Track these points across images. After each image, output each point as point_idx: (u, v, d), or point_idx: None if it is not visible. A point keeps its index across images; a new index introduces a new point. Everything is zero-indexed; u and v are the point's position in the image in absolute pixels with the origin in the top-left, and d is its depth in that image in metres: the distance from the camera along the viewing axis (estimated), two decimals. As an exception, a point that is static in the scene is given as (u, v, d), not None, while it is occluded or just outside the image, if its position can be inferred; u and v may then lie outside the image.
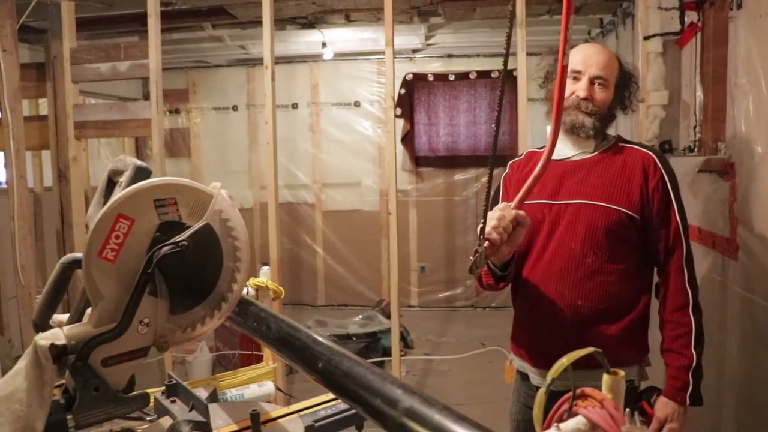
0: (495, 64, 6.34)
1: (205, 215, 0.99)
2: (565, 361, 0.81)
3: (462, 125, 6.56)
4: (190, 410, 1.18)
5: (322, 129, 6.72)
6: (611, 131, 1.93)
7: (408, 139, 6.55)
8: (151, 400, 1.22)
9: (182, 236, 0.96)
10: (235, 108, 6.87)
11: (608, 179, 1.80)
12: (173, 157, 6.71)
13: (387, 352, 4.65)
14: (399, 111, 6.20)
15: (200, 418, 1.15)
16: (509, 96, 6.38)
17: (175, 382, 1.27)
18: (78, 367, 0.92)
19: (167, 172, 3.85)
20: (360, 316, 5.48)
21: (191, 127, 6.94)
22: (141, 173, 1.03)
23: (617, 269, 1.79)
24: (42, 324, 1.03)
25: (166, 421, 1.21)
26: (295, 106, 6.70)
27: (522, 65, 3.34)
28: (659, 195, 1.78)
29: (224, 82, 6.87)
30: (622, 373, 0.83)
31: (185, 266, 0.96)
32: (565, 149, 1.86)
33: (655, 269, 1.88)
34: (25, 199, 3.35)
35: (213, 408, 1.22)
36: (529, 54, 3.31)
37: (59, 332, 0.94)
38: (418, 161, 6.65)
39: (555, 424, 0.75)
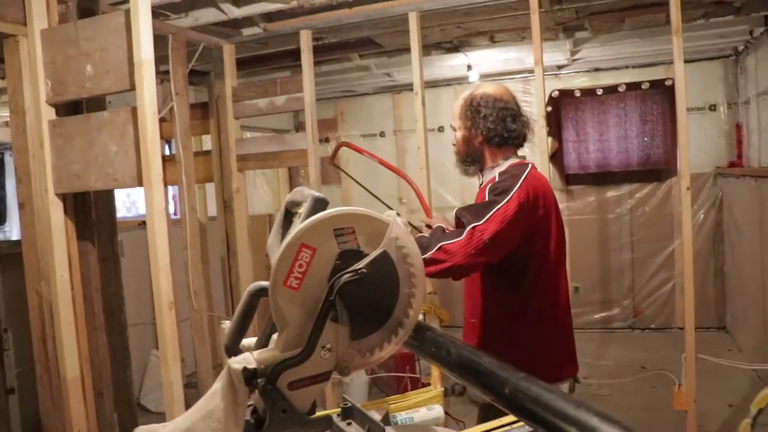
0: (645, 75, 6.11)
1: (382, 243, 1.01)
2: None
3: (612, 140, 6.36)
4: (367, 433, 1.21)
5: (468, 150, 6.68)
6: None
7: (557, 157, 6.41)
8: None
9: (361, 264, 0.98)
10: (382, 134, 7.03)
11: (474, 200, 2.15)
12: (324, 185, 6.92)
13: (543, 375, 4.54)
14: (546, 129, 6.08)
15: (378, 441, 1.17)
16: (661, 107, 6.17)
17: (350, 405, 1.30)
18: (268, 390, 0.97)
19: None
20: (513, 339, 5.38)
21: (340, 154, 7.15)
22: (319, 204, 1.07)
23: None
24: (233, 348, 1.09)
25: (343, 443, 1.25)
26: (441, 129, 6.70)
27: (680, 74, 3.16)
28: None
29: (371, 110, 7.05)
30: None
31: (364, 293, 0.99)
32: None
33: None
34: (195, 229, 3.59)
35: (388, 431, 1.24)
36: (687, 61, 3.14)
37: (250, 356, 0.99)
38: (569, 179, 6.48)
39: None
